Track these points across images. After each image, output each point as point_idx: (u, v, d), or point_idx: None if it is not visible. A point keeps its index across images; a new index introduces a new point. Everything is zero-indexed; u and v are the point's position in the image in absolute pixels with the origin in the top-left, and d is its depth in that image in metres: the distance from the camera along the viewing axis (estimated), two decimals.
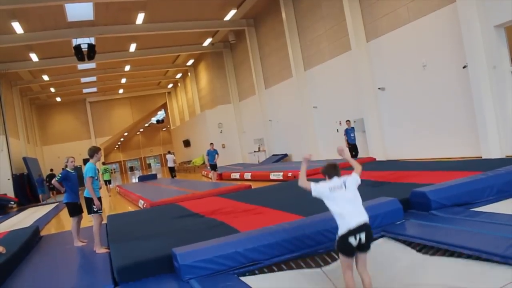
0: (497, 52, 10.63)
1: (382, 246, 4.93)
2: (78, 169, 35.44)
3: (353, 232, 3.72)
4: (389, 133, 15.00)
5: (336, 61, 17.24)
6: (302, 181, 4.32)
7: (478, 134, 11.18)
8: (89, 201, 6.67)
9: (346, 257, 3.83)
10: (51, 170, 27.35)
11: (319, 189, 4.10)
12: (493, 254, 3.78)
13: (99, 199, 6.69)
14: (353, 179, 4.11)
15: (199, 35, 25.74)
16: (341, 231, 3.79)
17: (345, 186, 4.00)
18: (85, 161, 26.02)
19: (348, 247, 3.76)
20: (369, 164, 12.89)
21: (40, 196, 24.37)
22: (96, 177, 6.82)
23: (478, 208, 5.54)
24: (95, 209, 6.63)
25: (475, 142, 11.37)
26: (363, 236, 3.75)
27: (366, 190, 7.92)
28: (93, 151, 6.83)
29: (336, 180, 4.08)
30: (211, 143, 19.27)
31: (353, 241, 3.72)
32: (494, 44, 10.62)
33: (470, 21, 10.82)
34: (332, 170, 4.22)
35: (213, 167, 18.44)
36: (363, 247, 3.78)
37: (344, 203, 3.88)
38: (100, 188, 6.98)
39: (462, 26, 11.06)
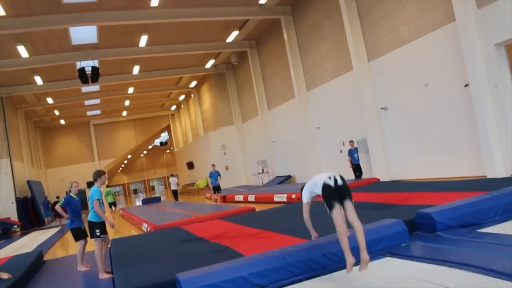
0: (498, 70, 10.66)
1: (387, 265, 4.88)
2: (82, 192, 35.62)
3: (329, 176, 4.62)
4: (393, 153, 14.96)
5: (338, 81, 17.31)
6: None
7: (482, 153, 11.13)
8: (92, 226, 6.65)
9: (332, 205, 4.46)
10: (57, 197, 27.35)
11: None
12: (500, 273, 3.73)
13: (102, 223, 6.67)
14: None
15: (201, 57, 25.97)
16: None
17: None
18: (89, 184, 26.31)
19: (327, 188, 4.53)
20: (373, 185, 12.83)
21: (46, 219, 24.42)
22: (101, 201, 6.83)
23: (484, 229, 5.47)
24: (97, 233, 6.60)
25: (479, 161, 11.31)
26: (338, 177, 4.63)
27: (370, 212, 7.87)
28: (97, 175, 6.84)
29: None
30: (213, 165, 19.27)
31: (329, 181, 4.54)
32: (495, 62, 10.65)
33: (470, 39, 10.88)
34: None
35: (216, 189, 18.39)
36: (343, 191, 4.53)
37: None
38: (104, 212, 6.97)
39: (463, 44, 11.12)
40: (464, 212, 5.75)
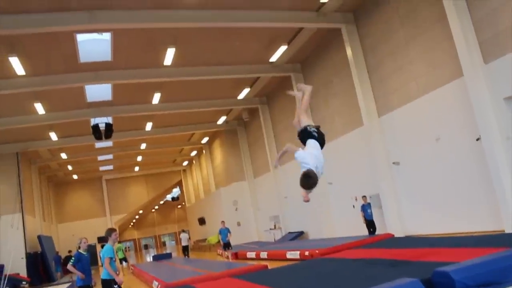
0: (509, 123, 10.60)
1: None
2: (91, 248, 35.34)
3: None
4: (406, 208, 14.70)
5: (349, 137, 17.35)
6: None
7: (498, 207, 10.87)
8: (107, 283, 6.59)
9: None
10: (69, 251, 27.14)
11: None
12: None
13: (113, 281, 6.59)
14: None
15: (213, 113, 26.36)
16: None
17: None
18: (100, 239, 26.07)
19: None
20: (387, 241, 12.52)
21: (57, 274, 24.20)
22: (114, 258, 6.79)
23: None
24: None
25: (496, 215, 11.04)
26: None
27: (385, 269, 7.62)
28: (109, 233, 6.88)
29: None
30: (222, 221, 19.11)
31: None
32: (506, 115, 10.63)
33: (479, 94, 10.95)
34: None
35: (227, 245, 18.11)
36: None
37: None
38: (118, 273, 6.91)
39: (472, 99, 11.17)
40: (484, 270, 5.51)
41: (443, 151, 12.80)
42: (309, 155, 5.48)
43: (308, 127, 5.77)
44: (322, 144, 5.68)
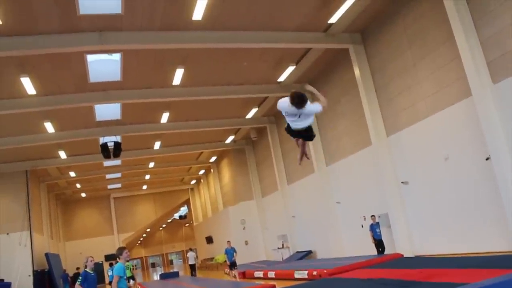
0: None
1: None
2: (99, 266, 35.25)
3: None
4: (416, 228, 14.57)
5: (358, 156, 17.32)
6: None
7: (508, 227, 10.75)
8: None
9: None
10: (77, 268, 27.10)
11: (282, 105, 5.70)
12: None
13: None
14: (312, 110, 5.88)
15: (221, 132, 26.47)
16: None
17: (299, 116, 5.73)
18: (107, 257, 26.14)
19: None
20: (397, 261, 12.41)
21: None
22: (125, 277, 6.80)
23: None
24: None
25: (505, 236, 10.91)
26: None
27: None
28: (121, 251, 6.90)
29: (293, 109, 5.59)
30: (228, 241, 19.05)
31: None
32: None
33: (488, 114, 10.93)
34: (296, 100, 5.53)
35: (233, 265, 18.00)
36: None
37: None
38: None
39: (481, 118, 11.15)
40: None
41: (452, 171, 12.74)
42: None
43: None
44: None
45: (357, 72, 15.95)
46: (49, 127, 19.41)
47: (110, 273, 22.94)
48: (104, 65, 15.37)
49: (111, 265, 24.67)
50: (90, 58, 14.66)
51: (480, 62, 11.11)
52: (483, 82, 11.01)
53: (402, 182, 14.83)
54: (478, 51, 11.17)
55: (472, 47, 11.17)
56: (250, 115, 23.38)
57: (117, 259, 6.89)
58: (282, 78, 18.82)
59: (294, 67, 17.94)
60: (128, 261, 22.92)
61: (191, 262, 25.37)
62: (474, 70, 11.10)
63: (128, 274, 22.24)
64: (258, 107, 22.58)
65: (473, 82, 11.19)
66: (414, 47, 13.76)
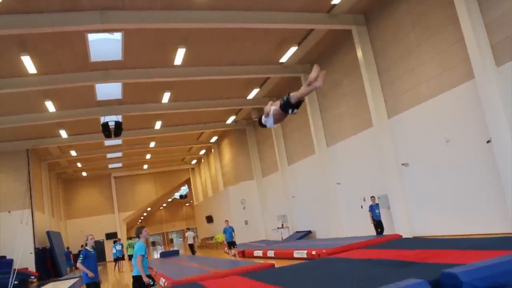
0: None
1: None
2: (99, 244, 35.54)
3: None
4: (415, 209, 14.69)
5: (359, 138, 17.36)
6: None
7: (508, 209, 10.85)
8: (137, 280, 6.74)
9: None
10: (82, 246, 27.44)
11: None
12: None
13: (149, 276, 6.77)
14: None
15: (222, 113, 26.45)
16: None
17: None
18: (108, 236, 26.35)
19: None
20: (395, 242, 12.51)
21: (68, 269, 24.57)
22: (146, 255, 6.91)
23: None
24: (151, 283, 6.79)
25: (505, 218, 11.01)
26: None
27: (392, 270, 7.64)
28: (139, 231, 7.03)
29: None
30: (226, 220, 19.20)
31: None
32: None
33: (490, 96, 10.93)
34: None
35: (231, 244, 18.17)
36: None
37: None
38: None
39: (483, 101, 11.15)
40: (492, 272, 5.52)
41: (453, 153, 12.79)
42: None
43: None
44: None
45: (359, 53, 15.88)
46: (50, 106, 19.39)
47: (114, 251, 23.26)
48: (105, 45, 15.29)
49: (114, 242, 24.94)
50: (91, 37, 14.57)
51: (484, 44, 11.06)
52: (486, 65, 10.97)
53: (403, 164, 14.90)
54: (483, 33, 11.11)
55: (477, 30, 11.10)
56: (251, 95, 23.33)
57: (137, 238, 7.01)
58: (284, 59, 18.73)
59: (296, 48, 17.85)
60: (130, 239, 23.22)
61: (189, 241, 25.80)
62: (478, 52, 11.05)
63: (131, 252, 22.55)
64: (260, 88, 22.52)
65: (477, 64, 11.16)
66: (418, 29, 13.67)
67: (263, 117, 6.17)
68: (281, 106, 6.03)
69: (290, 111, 6.07)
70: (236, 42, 16.85)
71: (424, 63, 13.56)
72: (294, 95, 5.95)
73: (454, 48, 12.32)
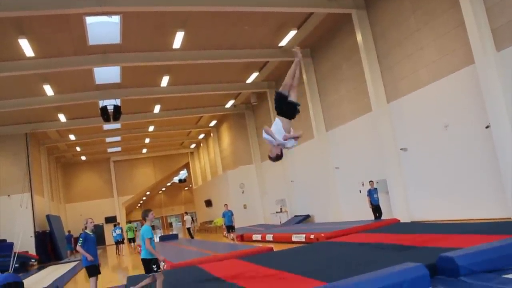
0: None
1: None
2: (99, 228, 35.69)
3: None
4: (413, 194, 14.75)
5: (358, 122, 17.35)
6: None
7: (505, 195, 10.89)
8: (147, 262, 6.81)
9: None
10: (83, 229, 27.55)
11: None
12: None
13: (157, 259, 6.85)
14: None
15: (221, 97, 26.36)
16: None
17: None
18: (107, 219, 26.47)
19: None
20: (393, 226, 12.61)
21: (69, 252, 24.82)
22: (153, 238, 6.96)
23: (510, 275, 5.27)
24: (154, 269, 6.80)
25: (502, 203, 11.07)
26: None
27: (390, 254, 7.72)
28: (146, 214, 7.08)
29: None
30: (225, 204, 19.26)
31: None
32: None
33: (490, 82, 10.88)
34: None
35: (230, 228, 18.26)
36: None
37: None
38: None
39: (483, 86, 11.11)
40: (489, 256, 5.58)
41: (452, 138, 12.79)
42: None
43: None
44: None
45: (359, 38, 15.78)
46: (48, 89, 19.28)
47: (114, 234, 23.39)
48: (103, 28, 15.18)
49: (115, 225, 25.07)
50: (89, 20, 14.45)
51: (485, 29, 10.97)
52: (486, 50, 10.91)
53: (401, 149, 14.92)
54: (483, 17, 11.02)
55: (477, 14, 11.01)
56: (250, 79, 23.24)
57: (144, 221, 7.06)
58: (283, 43, 18.61)
59: (295, 31, 17.72)
60: (129, 222, 23.36)
61: (187, 225, 26.10)
62: (478, 37, 10.98)
63: (131, 235, 22.69)
64: (259, 72, 22.43)
65: (477, 49, 11.09)
66: (418, 13, 13.56)
67: (279, 146, 6.46)
68: (276, 103, 6.52)
69: (295, 110, 6.53)
70: (235, 26, 16.72)
71: (424, 48, 13.49)
72: (283, 84, 6.03)
73: (454, 32, 12.24)
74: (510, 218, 10.70)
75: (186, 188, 63.10)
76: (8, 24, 13.68)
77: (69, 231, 27.64)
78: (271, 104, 24.68)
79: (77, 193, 39.86)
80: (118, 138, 34.23)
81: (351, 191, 18.21)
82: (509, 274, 5.32)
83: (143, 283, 6.98)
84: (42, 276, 16.10)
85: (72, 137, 29.53)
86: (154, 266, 6.77)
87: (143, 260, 6.88)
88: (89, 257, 7.51)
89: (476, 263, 5.48)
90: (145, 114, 26.90)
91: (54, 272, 17.00)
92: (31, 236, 23.65)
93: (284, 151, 6.53)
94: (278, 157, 6.46)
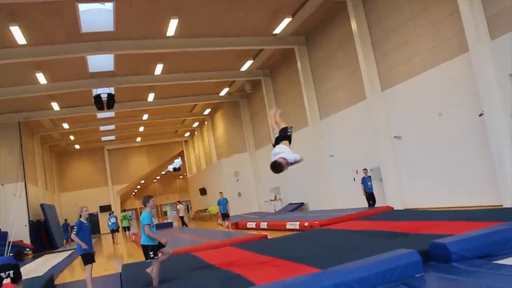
0: None
1: None
2: (93, 217, 35.67)
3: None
4: (407, 182, 14.84)
5: (352, 110, 17.36)
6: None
7: (498, 182, 10.99)
8: (145, 248, 6.86)
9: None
10: (78, 217, 27.58)
11: None
12: None
13: (155, 246, 6.91)
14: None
15: (216, 85, 26.27)
16: None
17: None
18: (102, 208, 26.47)
19: None
20: (387, 214, 12.71)
21: (65, 241, 24.91)
22: (152, 225, 6.98)
23: (501, 261, 5.35)
24: (151, 255, 6.86)
25: (495, 191, 11.16)
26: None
27: (384, 241, 7.79)
28: (146, 200, 7.13)
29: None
30: (220, 192, 19.26)
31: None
32: (510, 92, 10.60)
33: (484, 70, 10.89)
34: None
35: (225, 216, 18.31)
36: None
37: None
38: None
39: (477, 75, 11.13)
40: (480, 242, 5.65)
41: (445, 126, 12.84)
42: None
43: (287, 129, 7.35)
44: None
45: (354, 25, 15.73)
46: (41, 78, 19.08)
47: (109, 223, 23.42)
48: (96, 15, 15.01)
49: (110, 214, 25.10)
50: (82, 7, 14.27)
51: (480, 17, 10.96)
52: (481, 38, 10.90)
53: (395, 137, 14.96)
54: (478, 5, 11.00)
55: (472, 2, 10.98)
56: (245, 67, 23.15)
57: (144, 206, 7.10)
58: (278, 30, 18.51)
59: (290, 19, 17.61)
60: (124, 211, 23.41)
61: (180, 214, 26.23)
62: (473, 25, 10.97)
63: (126, 224, 22.71)
64: (253, 60, 22.34)
65: (471, 37, 11.08)
66: (413, 1, 13.52)
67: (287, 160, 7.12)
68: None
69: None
70: (229, 13, 16.61)
71: (418, 36, 13.47)
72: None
73: (449, 20, 12.22)
74: (502, 206, 10.79)
75: (181, 177, 63.10)
76: None
77: (65, 220, 27.66)
78: (265, 92, 24.69)
79: (71, 182, 39.80)
80: (112, 127, 34.12)
81: (345, 179, 18.28)
82: (499, 260, 5.39)
83: (154, 268, 7.00)
84: (38, 265, 16.11)
85: (65, 125, 29.37)
86: (151, 253, 6.82)
87: (143, 246, 6.93)
88: (83, 245, 7.53)
89: (468, 249, 5.55)
90: (139, 102, 26.77)
91: (49, 260, 17.03)
92: (26, 225, 23.61)
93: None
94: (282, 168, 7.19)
